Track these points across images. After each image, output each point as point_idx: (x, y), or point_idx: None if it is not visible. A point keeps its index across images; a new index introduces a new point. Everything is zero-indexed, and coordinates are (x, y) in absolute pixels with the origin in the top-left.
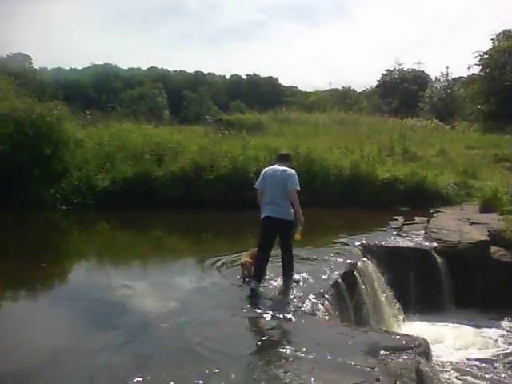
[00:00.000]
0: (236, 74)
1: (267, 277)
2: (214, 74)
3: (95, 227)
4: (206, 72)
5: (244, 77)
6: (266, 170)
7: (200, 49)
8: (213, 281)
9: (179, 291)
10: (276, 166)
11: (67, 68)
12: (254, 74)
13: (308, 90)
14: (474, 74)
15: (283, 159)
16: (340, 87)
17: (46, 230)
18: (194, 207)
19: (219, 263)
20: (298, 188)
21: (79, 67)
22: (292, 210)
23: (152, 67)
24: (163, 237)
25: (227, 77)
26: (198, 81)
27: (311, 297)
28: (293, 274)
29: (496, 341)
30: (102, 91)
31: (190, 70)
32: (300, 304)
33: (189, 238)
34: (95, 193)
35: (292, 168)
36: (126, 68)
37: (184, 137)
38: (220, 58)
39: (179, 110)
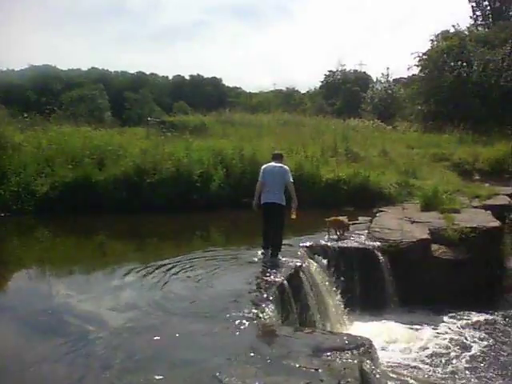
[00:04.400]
0: (179, 75)
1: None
2: (156, 75)
3: (35, 234)
4: (148, 72)
5: (187, 77)
6: (264, 166)
7: (142, 49)
8: (157, 286)
9: (123, 298)
10: (273, 163)
11: (4, 69)
12: (198, 75)
13: (252, 91)
14: (413, 74)
15: (277, 158)
16: (284, 88)
17: None
18: (137, 211)
19: (164, 267)
20: (292, 180)
21: (17, 68)
22: (284, 198)
23: (92, 68)
24: (106, 242)
25: (170, 77)
26: (141, 82)
27: (256, 299)
28: (280, 250)
29: (435, 338)
30: (41, 93)
31: (132, 70)
32: (245, 308)
33: (133, 242)
34: (34, 198)
35: (285, 164)
36: (65, 69)
37: (125, 139)
38: (163, 58)
39: (121, 111)
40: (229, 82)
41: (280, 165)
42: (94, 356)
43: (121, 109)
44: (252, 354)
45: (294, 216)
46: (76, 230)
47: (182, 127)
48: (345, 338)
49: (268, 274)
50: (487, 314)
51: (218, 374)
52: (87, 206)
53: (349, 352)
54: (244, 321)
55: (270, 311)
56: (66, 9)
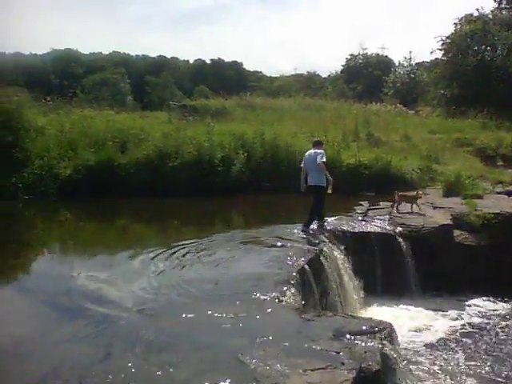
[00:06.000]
0: (200, 59)
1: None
2: (177, 59)
3: (58, 216)
4: (169, 56)
5: (208, 61)
6: (306, 153)
7: (163, 33)
8: (178, 268)
9: (145, 280)
10: (312, 150)
11: (27, 53)
12: (219, 59)
13: (273, 75)
14: (436, 58)
15: (317, 144)
16: (305, 72)
17: (7, 219)
18: (159, 194)
19: (185, 250)
20: (324, 160)
21: (39, 52)
22: (324, 178)
23: (114, 52)
24: (128, 225)
25: (191, 61)
26: (162, 65)
27: (277, 283)
28: (320, 218)
29: (457, 323)
30: (64, 77)
31: (153, 54)
32: (266, 290)
33: (154, 225)
34: (58, 181)
35: (322, 149)
36: (87, 53)
37: (147, 123)
38: (184, 42)
39: (142, 95)
40: (250, 66)
41: (316, 150)
42: (117, 337)
43: (142, 93)
44: (273, 337)
45: (329, 191)
46: (98, 212)
47: (203, 111)
48: (366, 321)
49: (289, 258)
50: (509, 300)
51: (240, 355)
52: (110, 189)
53: (370, 336)
54: (266, 303)
55: (291, 294)
56: None
